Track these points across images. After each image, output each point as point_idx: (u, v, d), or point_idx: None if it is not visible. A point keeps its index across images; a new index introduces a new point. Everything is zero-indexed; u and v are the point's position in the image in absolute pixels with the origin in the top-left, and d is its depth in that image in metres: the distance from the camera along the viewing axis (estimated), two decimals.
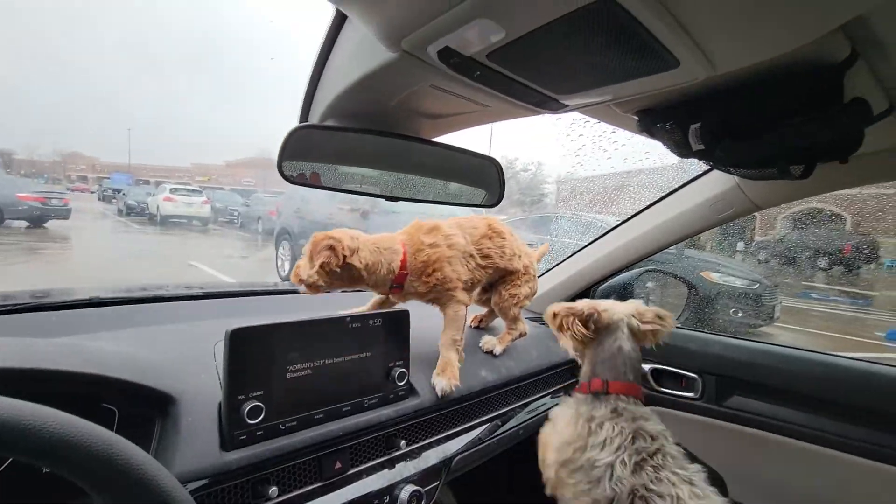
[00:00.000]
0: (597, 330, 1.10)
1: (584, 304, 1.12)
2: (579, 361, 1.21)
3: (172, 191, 16.63)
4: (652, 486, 0.91)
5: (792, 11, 0.47)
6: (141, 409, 0.81)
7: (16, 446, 0.39)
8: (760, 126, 0.70)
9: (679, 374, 1.60)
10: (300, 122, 0.75)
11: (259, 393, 0.83)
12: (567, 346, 1.15)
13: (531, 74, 0.57)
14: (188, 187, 18.24)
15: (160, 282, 1.39)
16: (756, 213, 1.33)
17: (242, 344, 0.81)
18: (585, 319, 1.08)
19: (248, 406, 0.81)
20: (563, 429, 1.10)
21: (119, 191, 22.93)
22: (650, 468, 0.94)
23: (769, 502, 1.45)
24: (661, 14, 0.43)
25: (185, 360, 0.93)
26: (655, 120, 0.77)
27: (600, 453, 0.98)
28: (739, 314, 5.54)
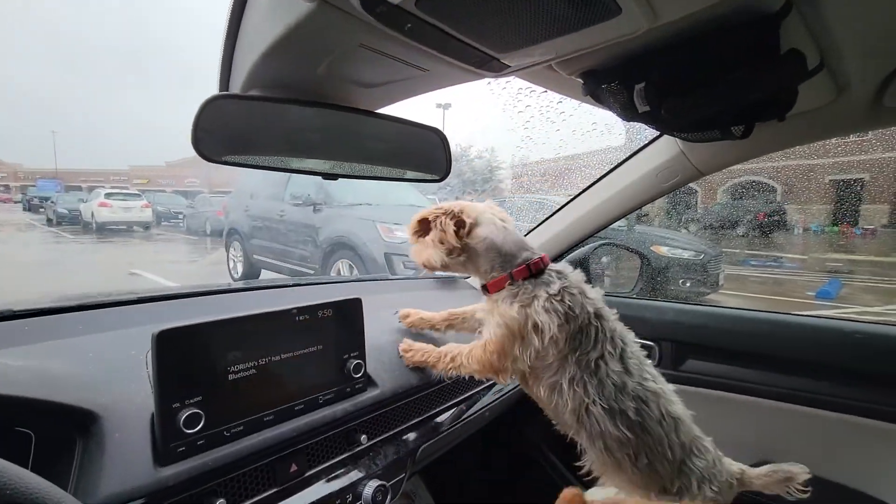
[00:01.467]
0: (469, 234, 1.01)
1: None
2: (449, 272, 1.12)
3: (108, 195, 15.53)
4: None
5: None
6: (59, 429, 0.71)
7: None
8: (703, 81, 0.69)
9: (637, 342, 1.64)
10: (220, 91, 0.67)
11: (197, 399, 0.75)
12: (431, 256, 1.02)
13: (467, 27, 0.53)
14: (125, 191, 17.09)
15: (94, 292, 1.24)
16: (697, 189, 1.37)
17: (172, 347, 0.73)
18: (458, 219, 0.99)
19: (184, 414, 0.73)
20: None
21: (47, 199, 21.17)
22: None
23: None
24: None
25: (112, 371, 0.84)
26: (600, 81, 0.75)
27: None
28: (688, 284, 5.83)
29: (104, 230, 14.82)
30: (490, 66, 0.63)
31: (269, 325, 0.87)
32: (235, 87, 0.65)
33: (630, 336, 1.04)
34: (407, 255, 5.13)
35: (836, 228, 12.52)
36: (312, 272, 5.72)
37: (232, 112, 0.61)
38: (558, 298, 0.95)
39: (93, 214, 15.09)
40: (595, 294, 1.01)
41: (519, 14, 0.50)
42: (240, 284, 1.81)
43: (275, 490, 0.83)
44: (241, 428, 0.81)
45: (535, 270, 0.99)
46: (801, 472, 1.03)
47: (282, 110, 0.65)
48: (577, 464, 1.10)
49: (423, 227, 1.02)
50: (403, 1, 0.46)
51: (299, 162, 0.67)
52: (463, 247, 1.01)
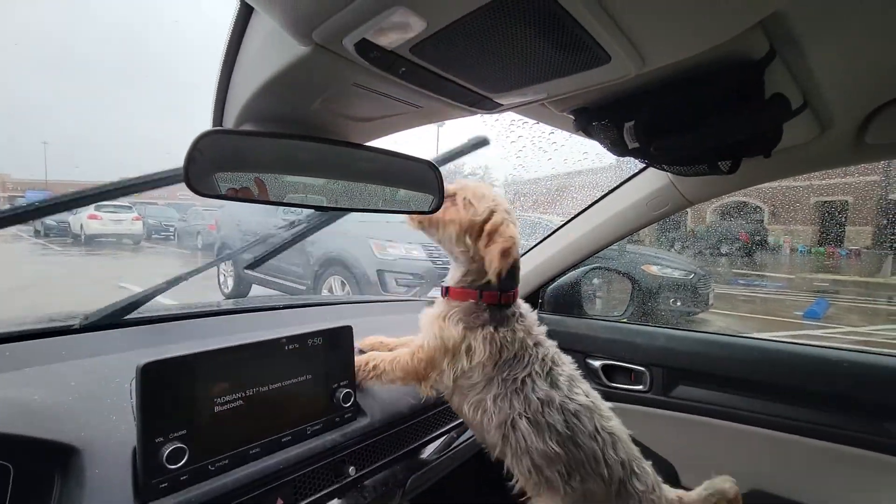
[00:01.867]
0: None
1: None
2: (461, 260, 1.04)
3: (98, 207, 15.30)
4: None
5: (714, 7, 0.47)
6: (38, 464, 0.69)
7: None
8: (690, 122, 0.71)
9: (628, 368, 1.64)
10: (213, 126, 0.67)
11: (181, 433, 0.74)
12: (449, 231, 0.99)
13: (460, 71, 0.54)
14: (115, 203, 16.88)
15: (81, 309, 1.20)
16: (687, 210, 1.39)
17: (157, 379, 0.72)
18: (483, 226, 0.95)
19: (167, 449, 0.72)
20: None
21: None
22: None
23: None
24: (590, 6, 0.41)
25: (94, 401, 0.82)
26: (591, 118, 0.77)
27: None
28: (678, 303, 5.86)
29: (93, 242, 14.60)
30: (482, 104, 0.65)
31: (258, 354, 0.86)
32: (229, 121, 0.66)
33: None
34: (399, 272, 5.12)
35: (822, 249, 12.72)
36: (304, 288, 5.67)
37: (225, 146, 0.61)
38: (500, 335, 0.98)
39: (82, 227, 14.86)
40: (539, 330, 1.05)
41: (511, 60, 0.51)
42: (230, 305, 1.79)
43: None
44: (227, 462, 0.79)
45: (503, 302, 1.01)
46: (731, 487, 1.06)
47: (275, 144, 0.65)
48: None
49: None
50: (398, 47, 0.46)
51: (291, 195, 0.67)
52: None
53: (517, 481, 1.04)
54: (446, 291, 1.05)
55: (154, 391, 0.71)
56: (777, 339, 1.52)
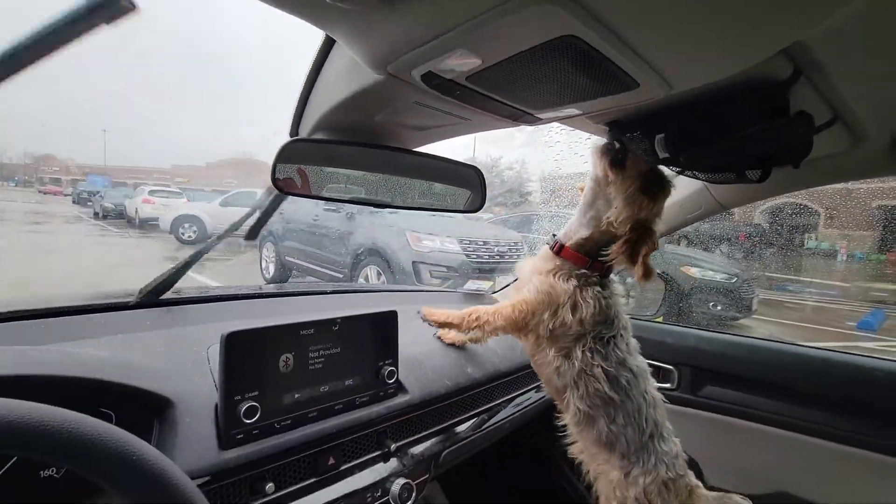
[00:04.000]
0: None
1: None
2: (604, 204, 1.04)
3: (151, 193, 16.20)
4: None
5: (735, 39, 0.53)
6: (138, 412, 0.83)
7: (38, 446, 0.43)
8: (717, 136, 0.76)
9: (657, 366, 1.68)
10: (291, 135, 0.78)
11: (254, 393, 0.87)
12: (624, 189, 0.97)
13: (506, 93, 0.62)
14: (167, 189, 17.80)
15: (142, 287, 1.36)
16: (734, 211, 1.41)
17: (237, 347, 0.85)
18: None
19: (244, 406, 0.84)
20: None
21: (95, 193, 22.22)
22: None
23: (743, 485, 1.53)
24: (619, 46, 0.49)
25: (179, 364, 0.96)
26: (624, 130, 0.83)
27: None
28: (718, 307, 5.69)
29: (146, 226, 15.51)
30: (524, 118, 0.73)
31: (317, 330, 0.97)
32: (304, 131, 0.77)
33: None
34: (434, 265, 5.24)
35: (882, 256, 11.89)
36: (341, 276, 5.89)
37: (302, 152, 0.73)
38: (605, 296, 1.09)
39: (136, 210, 15.79)
40: (622, 301, 1.16)
41: (549, 86, 0.59)
42: (272, 289, 1.94)
43: (314, 480, 0.94)
44: (289, 422, 0.92)
45: (605, 271, 1.11)
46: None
47: (342, 150, 0.76)
48: (559, 424, 1.20)
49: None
50: (456, 76, 0.55)
51: (355, 195, 0.78)
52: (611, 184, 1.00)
53: (566, 416, 1.17)
54: (560, 249, 1.11)
55: (235, 355, 0.84)
56: (810, 345, 1.52)
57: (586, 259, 1.09)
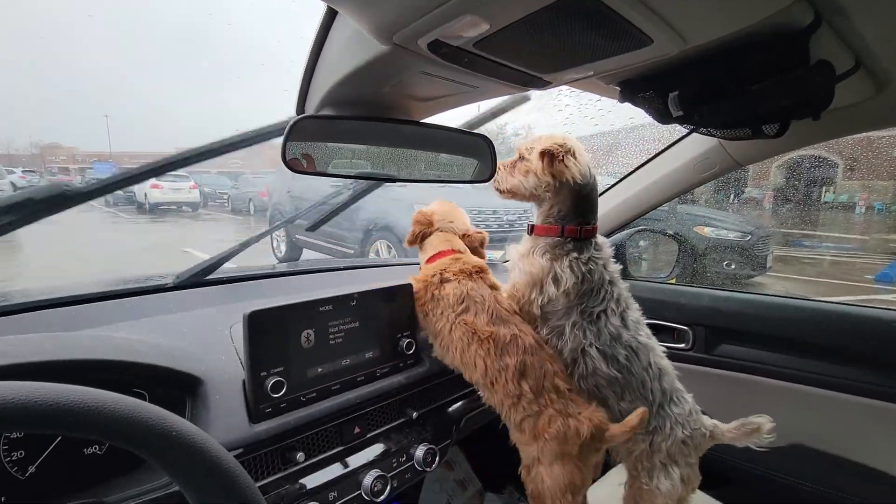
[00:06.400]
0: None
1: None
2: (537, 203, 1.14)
3: (159, 177, 16.29)
4: None
5: None
6: (170, 391, 0.87)
7: (83, 426, 0.45)
8: (734, 91, 0.74)
9: (671, 327, 1.69)
10: (297, 112, 0.78)
11: (279, 369, 0.90)
12: (529, 183, 1.08)
13: (516, 59, 0.61)
14: (175, 173, 17.81)
15: (159, 271, 1.40)
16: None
17: (260, 325, 0.87)
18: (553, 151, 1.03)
19: (270, 381, 0.88)
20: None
21: None
22: None
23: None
24: (631, 0, 0.47)
25: (205, 344, 0.99)
26: (636, 90, 0.81)
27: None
28: (732, 266, 5.65)
29: (156, 210, 15.65)
30: (534, 83, 0.71)
31: (336, 306, 1.00)
32: (310, 107, 0.76)
33: (636, 305, 1.16)
34: None
35: None
36: (352, 252, 5.93)
37: (310, 130, 0.72)
38: (583, 262, 1.07)
39: (146, 196, 15.90)
40: (615, 268, 1.14)
41: (560, 48, 0.58)
42: (284, 268, 1.97)
43: (342, 448, 0.98)
44: (315, 394, 0.95)
45: (583, 235, 1.10)
46: (765, 422, 1.10)
47: (350, 125, 0.76)
48: None
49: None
50: (464, 43, 0.54)
51: (365, 170, 0.78)
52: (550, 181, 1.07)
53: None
54: (532, 229, 1.15)
55: (258, 334, 0.87)
56: (826, 300, 1.51)
57: (556, 227, 1.09)
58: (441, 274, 1.11)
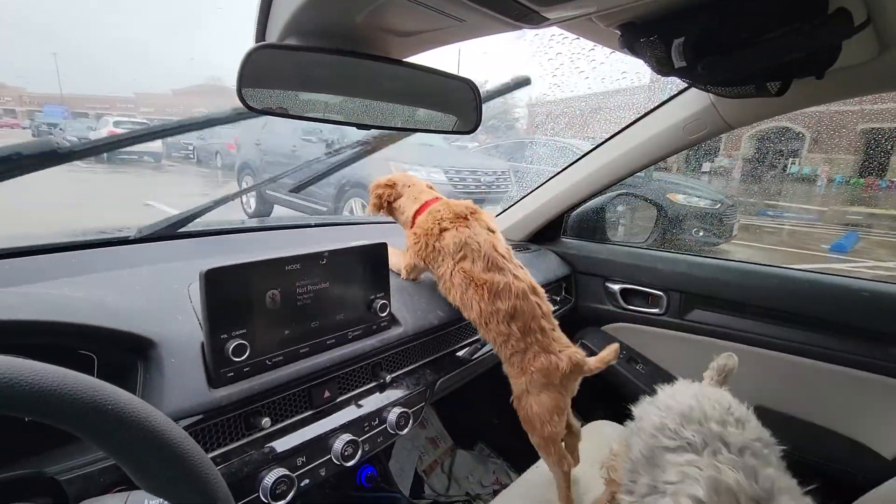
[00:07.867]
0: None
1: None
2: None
3: (116, 124, 15.20)
4: None
5: None
6: (121, 354, 0.79)
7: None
8: (744, 40, 0.68)
9: (646, 292, 1.70)
10: (256, 41, 0.67)
11: (241, 331, 0.83)
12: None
13: None
14: (133, 119, 16.76)
15: (116, 224, 1.28)
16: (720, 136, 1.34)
17: (219, 284, 0.80)
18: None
19: (231, 344, 0.81)
20: None
21: (55, 125, 20.80)
22: None
23: None
24: None
25: (159, 303, 0.91)
26: (639, 34, 0.74)
27: None
28: (700, 233, 5.81)
29: (115, 160, 14.74)
30: (528, 18, 0.62)
31: (305, 265, 0.92)
32: (272, 36, 0.66)
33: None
34: None
35: (861, 181, 12.07)
36: (325, 209, 5.77)
37: (271, 62, 0.62)
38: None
39: None
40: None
41: None
42: (255, 223, 1.86)
43: (311, 412, 0.94)
44: (281, 358, 0.89)
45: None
46: (730, 360, 1.13)
47: (318, 60, 0.66)
48: None
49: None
50: None
51: (335, 113, 0.69)
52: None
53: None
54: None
55: (217, 293, 0.79)
56: (797, 268, 1.54)
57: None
58: (439, 224, 1.14)
